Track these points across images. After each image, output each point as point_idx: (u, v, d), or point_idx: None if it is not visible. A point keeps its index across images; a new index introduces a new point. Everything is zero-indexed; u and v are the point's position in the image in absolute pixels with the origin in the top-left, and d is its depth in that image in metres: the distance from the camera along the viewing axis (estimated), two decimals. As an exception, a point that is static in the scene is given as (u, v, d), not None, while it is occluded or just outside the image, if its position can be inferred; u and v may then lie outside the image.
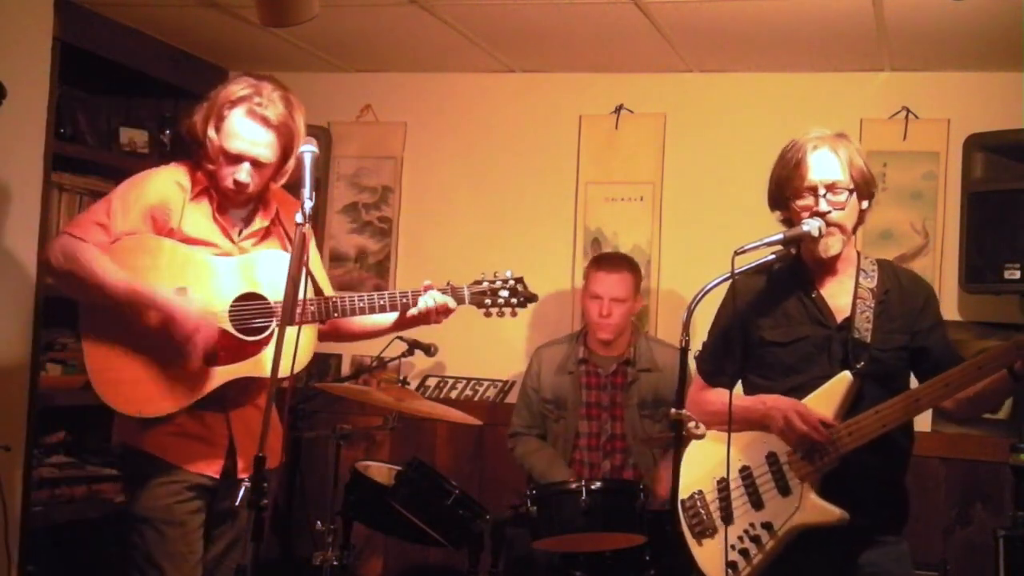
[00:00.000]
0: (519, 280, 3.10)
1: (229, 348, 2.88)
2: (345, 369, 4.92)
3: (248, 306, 2.90)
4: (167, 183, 2.92)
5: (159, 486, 2.89)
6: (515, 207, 4.78)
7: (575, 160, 4.75)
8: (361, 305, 2.96)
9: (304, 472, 4.04)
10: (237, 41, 4.45)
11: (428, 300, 2.98)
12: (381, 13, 4.06)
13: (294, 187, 2.50)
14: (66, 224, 2.90)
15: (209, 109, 2.89)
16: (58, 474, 4.10)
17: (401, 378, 4.78)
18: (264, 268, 2.94)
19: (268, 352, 2.88)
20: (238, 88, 2.88)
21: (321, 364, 4.97)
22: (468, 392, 4.83)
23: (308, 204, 2.44)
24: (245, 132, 2.85)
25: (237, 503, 2.28)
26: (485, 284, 3.06)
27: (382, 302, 2.98)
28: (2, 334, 3.78)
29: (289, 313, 2.40)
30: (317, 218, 4.78)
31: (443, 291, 3.02)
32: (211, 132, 2.88)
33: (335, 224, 4.99)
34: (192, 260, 2.88)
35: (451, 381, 4.85)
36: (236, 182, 2.88)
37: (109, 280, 2.78)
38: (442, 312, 3.00)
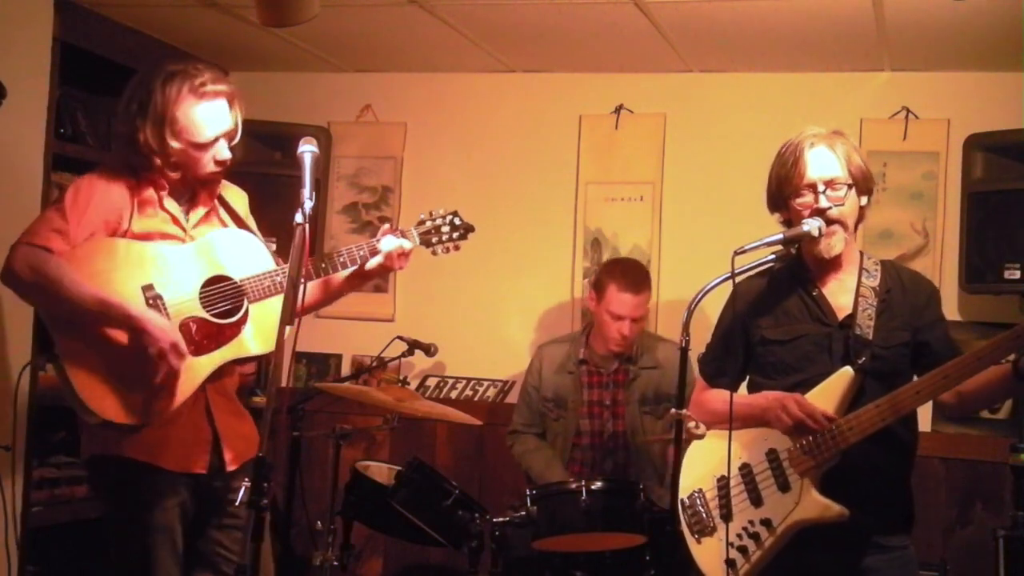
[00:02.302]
0: (454, 213, 3.16)
1: (209, 335, 2.86)
2: (345, 369, 4.92)
3: (217, 289, 2.89)
4: (113, 184, 2.86)
5: (145, 493, 2.83)
6: (515, 207, 4.77)
7: (575, 160, 4.75)
8: (327, 265, 2.97)
9: (304, 472, 4.04)
10: (237, 41, 4.45)
11: (388, 244, 2.99)
12: (381, 13, 4.06)
13: (294, 187, 2.49)
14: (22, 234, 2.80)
15: (158, 123, 2.82)
16: (58, 474, 4.09)
17: (401, 378, 4.78)
18: (223, 248, 2.92)
19: (247, 332, 2.89)
20: (175, 88, 2.82)
21: (321, 364, 4.98)
22: (468, 392, 4.83)
23: (308, 204, 2.43)
24: (213, 115, 2.84)
25: (238, 503, 2.26)
26: (428, 223, 3.12)
27: (341, 259, 2.98)
28: (2, 334, 3.78)
29: (290, 313, 2.39)
30: (317, 219, 4.77)
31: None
32: (173, 143, 2.82)
33: (335, 224, 4.99)
34: (150, 254, 2.84)
35: (451, 381, 4.85)
36: (220, 161, 2.88)
37: (78, 293, 2.70)
38: (402, 255, 3.02)
